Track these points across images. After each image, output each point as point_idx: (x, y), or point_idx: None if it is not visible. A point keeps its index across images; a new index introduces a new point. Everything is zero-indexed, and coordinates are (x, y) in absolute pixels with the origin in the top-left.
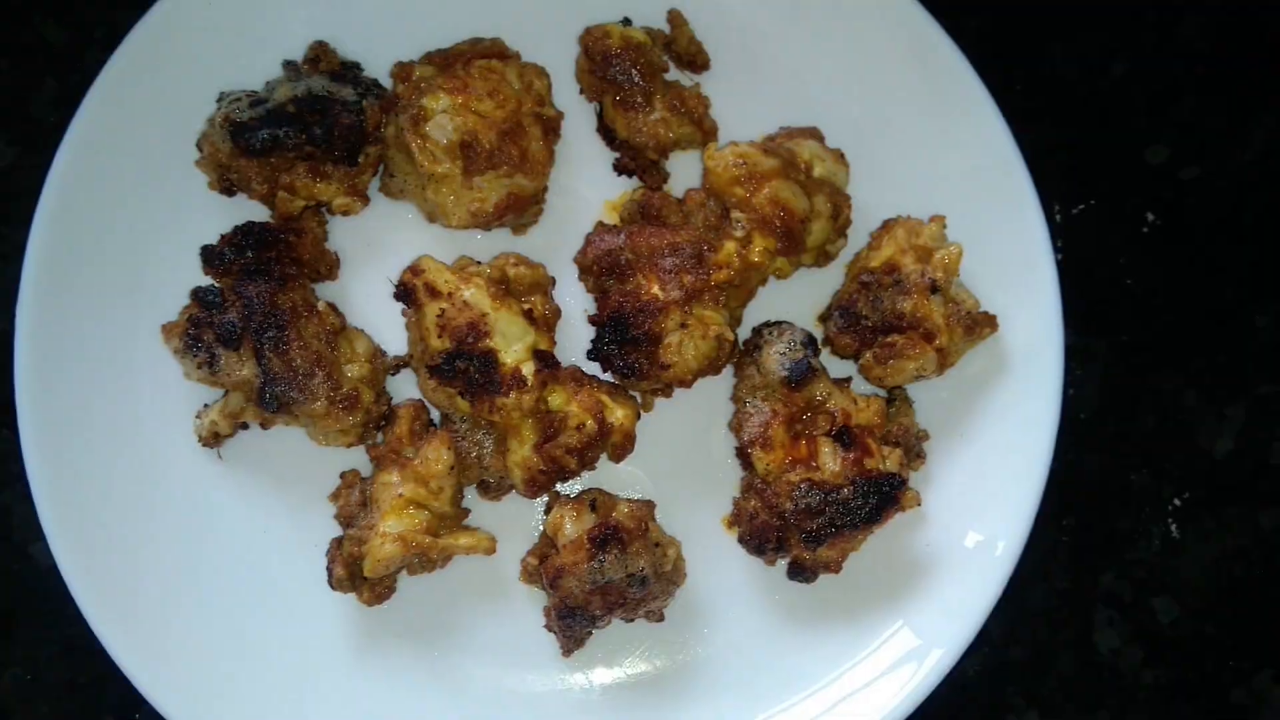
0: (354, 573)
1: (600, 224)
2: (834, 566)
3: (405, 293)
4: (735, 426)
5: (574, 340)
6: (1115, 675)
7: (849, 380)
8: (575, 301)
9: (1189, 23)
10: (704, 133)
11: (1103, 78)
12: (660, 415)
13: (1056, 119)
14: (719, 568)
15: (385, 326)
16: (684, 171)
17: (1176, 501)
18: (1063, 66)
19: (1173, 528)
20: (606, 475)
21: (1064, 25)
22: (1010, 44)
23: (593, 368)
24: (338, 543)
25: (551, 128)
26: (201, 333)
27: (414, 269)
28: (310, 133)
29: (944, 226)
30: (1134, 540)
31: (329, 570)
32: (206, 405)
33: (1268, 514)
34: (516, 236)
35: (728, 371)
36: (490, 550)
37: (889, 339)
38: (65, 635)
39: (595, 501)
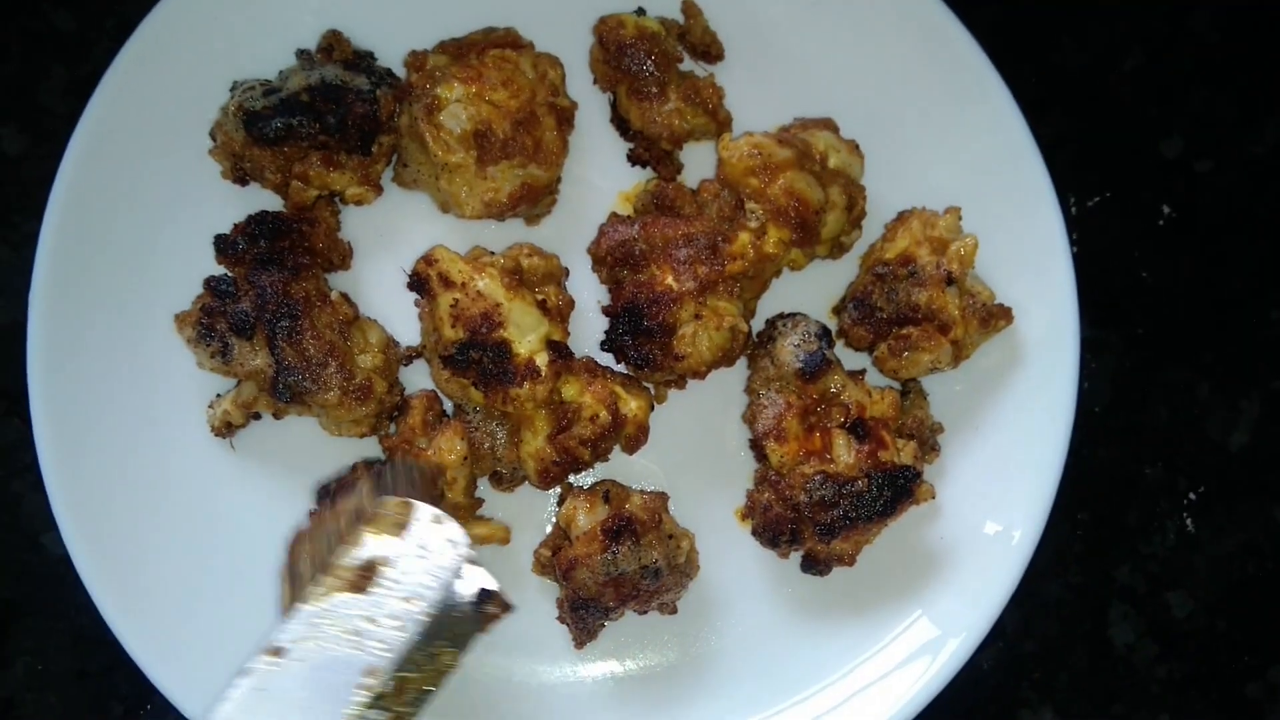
0: None
1: (614, 214)
2: (848, 559)
3: (419, 283)
4: (749, 418)
5: (588, 331)
6: (1129, 669)
7: (863, 372)
8: (589, 292)
9: (1202, 14)
10: (718, 123)
11: (1116, 70)
12: (674, 407)
13: (1070, 111)
14: (732, 560)
15: (398, 317)
16: (698, 162)
17: (1191, 495)
18: (1076, 58)
19: (1187, 521)
20: (620, 467)
21: (1077, 17)
22: (1023, 36)
23: (606, 359)
24: None
25: (565, 118)
26: (215, 322)
27: (427, 259)
28: (324, 122)
29: (959, 218)
30: (1148, 534)
31: None
32: (219, 395)
33: None
34: (530, 227)
35: (741, 363)
36: (504, 541)
37: (904, 331)
38: (75, 625)
39: (609, 493)
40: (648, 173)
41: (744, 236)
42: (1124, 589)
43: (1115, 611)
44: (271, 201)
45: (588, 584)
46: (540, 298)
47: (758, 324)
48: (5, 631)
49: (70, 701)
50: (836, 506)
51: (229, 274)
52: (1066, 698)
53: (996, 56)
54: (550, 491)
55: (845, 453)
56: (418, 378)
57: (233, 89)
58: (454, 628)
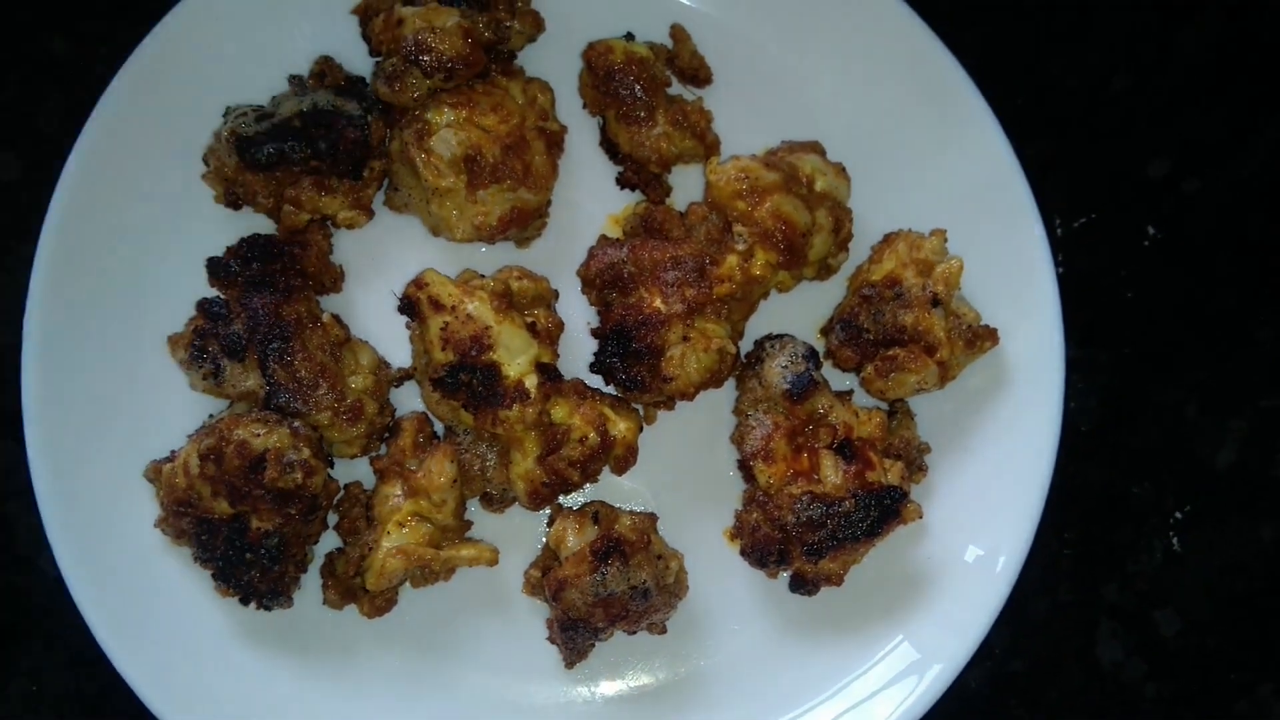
0: (353, 586)
1: (603, 237)
2: (835, 579)
3: (409, 306)
4: (737, 439)
5: (577, 353)
6: (1118, 687)
7: (850, 393)
8: (578, 314)
9: (1188, 37)
10: (706, 147)
11: (1103, 92)
12: (662, 428)
13: (1057, 133)
14: (721, 580)
15: (389, 339)
16: (686, 185)
17: (1178, 514)
18: (1063, 80)
19: (1174, 540)
20: (609, 488)
21: (1065, 39)
22: (1011, 58)
23: (595, 380)
24: (329, 559)
25: (555, 142)
26: (207, 344)
27: (418, 282)
28: (315, 147)
29: (945, 240)
30: (1136, 552)
31: (323, 589)
32: (212, 416)
33: (1269, 526)
34: (520, 250)
35: (730, 384)
36: (493, 562)
37: (890, 352)
38: (70, 647)
39: (598, 514)
40: (637, 196)
41: (732, 259)
42: (1112, 607)
43: (1103, 629)
44: (264, 225)
45: (577, 604)
46: (530, 320)
47: (746, 345)
48: (1, 653)
49: None
50: (824, 527)
51: (221, 296)
52: (1056, 716)
53: (984, 78)
54: (540, 513)
55: (833, 473)
56: (409, 399)
57: (226, 114)
58: None
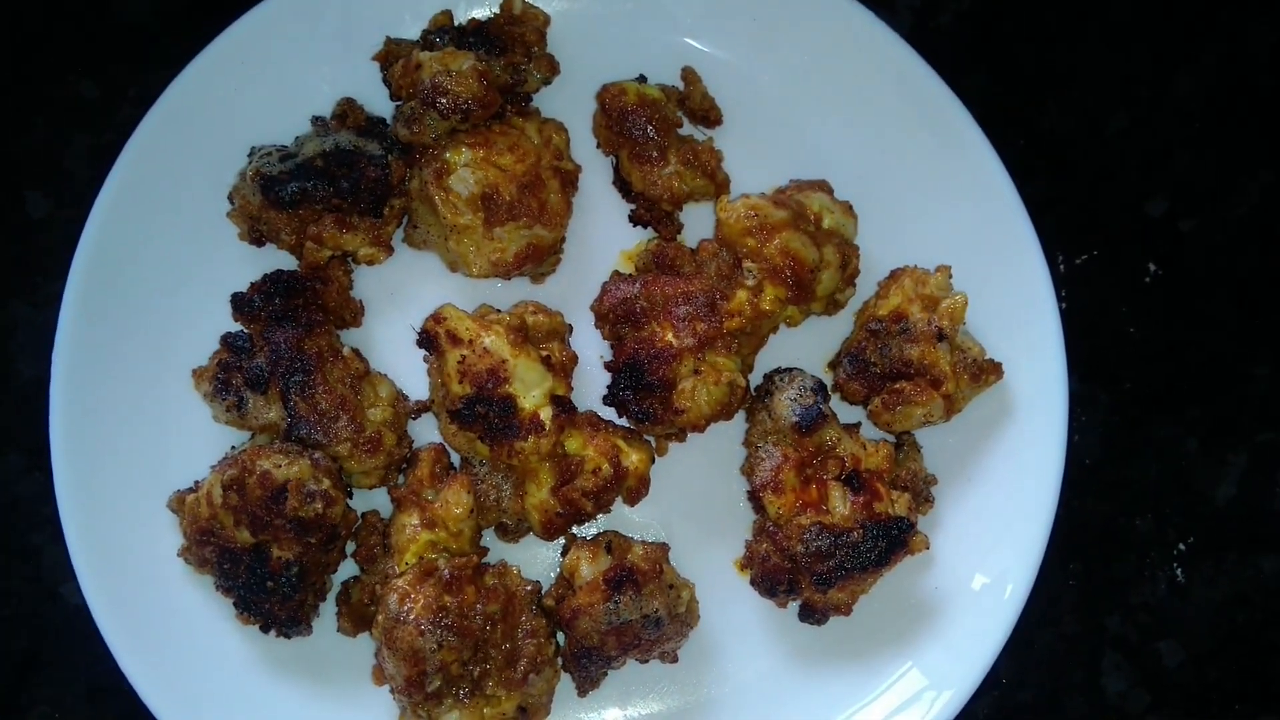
0: (366, 614)
1: (616, 273)
2: (844, 608)
3: (427, 340)
4: (747, 471)
5: (590, 386)
6: (1122, 718)
7: (858, 426)
8: (592, 348)
9: (1185, 80)
10: (716, 185)
11: (1103, 133)
12: (674, 459)
13: (1058, 173)
14: (732, 609)
15: (408, 372)
16: (697, 222)
17: (1180, 546)
18: (1063, 123)
19: (1177, 572)
20: (622, 518)
21: (1065, 83)
22: (1013, 101)
23: (609, 413)
24: (345, 588)
25: (570, 180)
26: (230, 377)
27: (436, 317)
28: (337, 186)
29: (950, 276)
30: (1139, 585)
31: (337, 616)
32: (234, 447)
33: (1269, 559)
34: (535, 285)
35: (740, 417)
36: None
37: (897, 385)
38: (92, 675)
39: (611, 544)
40: (649, 233)
41: (741, 294)
42: (1116, 639)
43: (1108, 661)
44: (286, 261)
45: (590, 633)
46: (545, 354)
47: (755, 379)
48: (23, 681)
49: None
50: (832, 557)
51: (245, 330)
52: None
53: (987, 121)
54: (554, 543)
55: (841, 504)
56: (426, 431)
57: (251, 154)
58: None
